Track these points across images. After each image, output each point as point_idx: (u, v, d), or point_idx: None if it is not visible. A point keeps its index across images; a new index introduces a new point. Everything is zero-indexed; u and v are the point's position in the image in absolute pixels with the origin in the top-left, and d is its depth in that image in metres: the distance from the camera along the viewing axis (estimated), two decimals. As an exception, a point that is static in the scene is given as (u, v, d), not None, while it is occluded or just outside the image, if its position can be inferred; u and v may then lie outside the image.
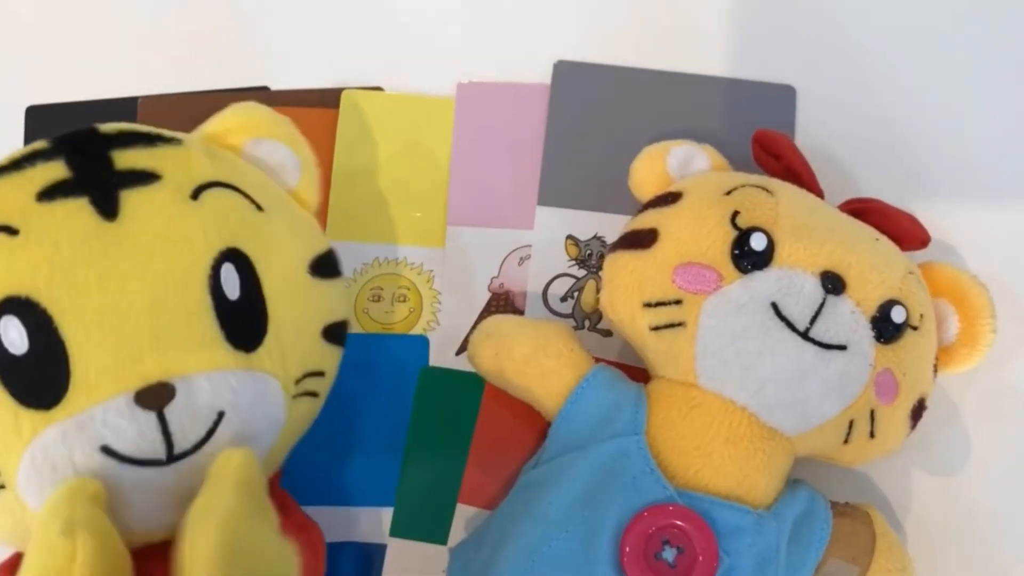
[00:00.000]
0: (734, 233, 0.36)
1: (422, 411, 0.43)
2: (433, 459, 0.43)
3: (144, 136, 0.33)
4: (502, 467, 0.42)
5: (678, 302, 0.36)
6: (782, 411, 0.35)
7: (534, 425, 0.42)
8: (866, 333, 0.35)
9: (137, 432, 0.30)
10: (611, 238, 0.44)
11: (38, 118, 0.47)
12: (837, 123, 0.47)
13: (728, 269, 0.36)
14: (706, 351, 0.35)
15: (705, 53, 0.47)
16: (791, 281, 0.35)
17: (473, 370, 0.41)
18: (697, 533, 0.34)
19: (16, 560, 0.35)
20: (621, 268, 0.38)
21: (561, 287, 0.45)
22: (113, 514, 0.29)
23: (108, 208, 0.31)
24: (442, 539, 0.42)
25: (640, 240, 0.38)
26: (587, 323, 0.44)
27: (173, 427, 0.30)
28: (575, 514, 0.35)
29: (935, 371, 0.39)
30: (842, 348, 0.35)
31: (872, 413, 0.36)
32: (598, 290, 0.44)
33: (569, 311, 0.45)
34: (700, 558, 0.34)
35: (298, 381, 0.34)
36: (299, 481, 0.39)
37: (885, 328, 0.36)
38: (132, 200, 0.31)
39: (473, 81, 0.47)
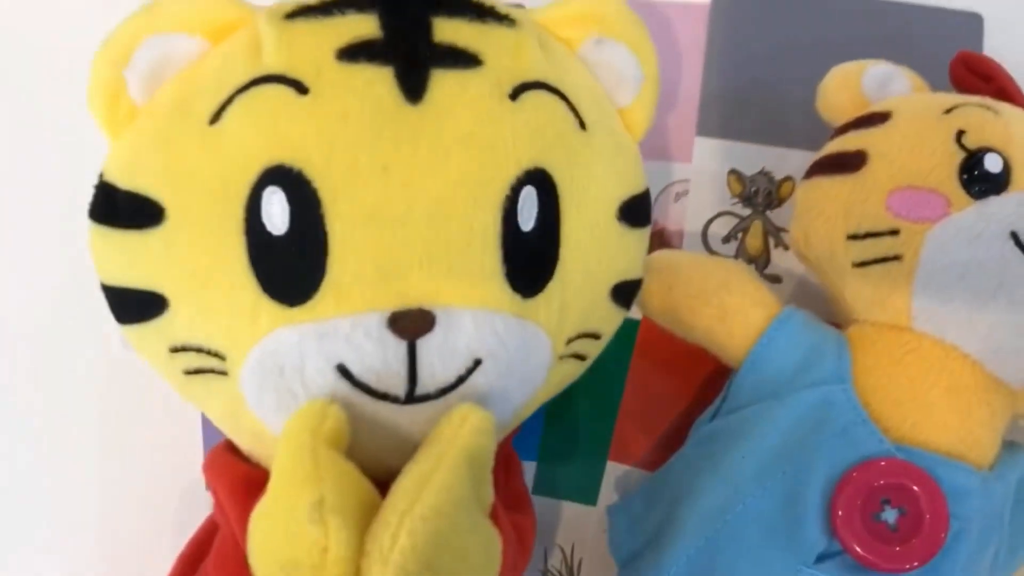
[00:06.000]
0: (962, 154, 0.32)
1: (569, 358, 0.39)
2: (580, 412, 0.39)
3: (474, 6, 0.27)
4: (657, 421, 0.39)
5: (894, 232, 0.31)
6: (1014, 360, 0.31)
7: (693, 375, 0.38)
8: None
9: (382, 359, 0.25)
10: (780, 173, 0.40)
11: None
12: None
13: (957, 194, 0.31)
14: (927, 289, 0.31)
15: (884, -26, 0.43)
16: (1036, 207, 0.31)
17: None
18: (925, 493, 0.30)
19: (210, 529, 0.31)
20: (822, 196, 0.34)
21: (723, 227, 0.40)
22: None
23: (414, 87, 0.25)
24: (591, 499, 0.38)
25: (845, 163, 0.33)
26: (752, 267, 0.40)
27: (422, 363, 0.25)
28: (774, 469, 0.31)
29: None
30: (1091, 288, 0.30)
31: (1112, 370, 0.32)
32: (765, 232, 0.40)
33: (732, 253, 0.40)
34: (927, 521, 0.29)
35: (570, 341, 0.29)
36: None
37: None
38: (442, 83, 0.26)
39: None
